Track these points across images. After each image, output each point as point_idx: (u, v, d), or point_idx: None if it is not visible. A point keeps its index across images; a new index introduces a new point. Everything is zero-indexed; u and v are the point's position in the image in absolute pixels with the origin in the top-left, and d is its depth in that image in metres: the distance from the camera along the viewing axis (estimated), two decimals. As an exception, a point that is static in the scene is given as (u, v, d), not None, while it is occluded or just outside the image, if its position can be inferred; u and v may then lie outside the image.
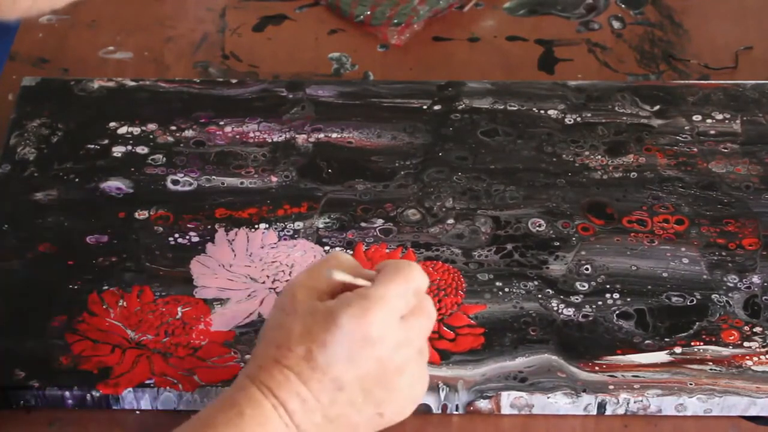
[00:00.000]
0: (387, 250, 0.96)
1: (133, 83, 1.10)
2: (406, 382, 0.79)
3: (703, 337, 0.91)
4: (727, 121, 1.07)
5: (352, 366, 0.77)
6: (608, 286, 0.94)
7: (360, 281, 0.79)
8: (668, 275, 0.95)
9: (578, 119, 1.07)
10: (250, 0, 1.22)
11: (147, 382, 0.88)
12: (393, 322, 0.77)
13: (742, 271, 0.95)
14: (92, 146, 1.04)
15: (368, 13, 1.19)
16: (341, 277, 0.79)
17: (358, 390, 0.77)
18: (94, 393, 0.87)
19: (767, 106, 1.08)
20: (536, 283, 0.94)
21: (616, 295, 0.93)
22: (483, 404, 0.88)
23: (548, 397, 0.88)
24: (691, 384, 0.88)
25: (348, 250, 0.96)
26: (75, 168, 1.02)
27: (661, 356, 0.90)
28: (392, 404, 0.79)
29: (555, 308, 0.93)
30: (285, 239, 0.97)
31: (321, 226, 0.98)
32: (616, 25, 1.20)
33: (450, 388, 0.88)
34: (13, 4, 0.71)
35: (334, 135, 1.06)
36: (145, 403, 0.88)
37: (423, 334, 0.80)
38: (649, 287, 0.94)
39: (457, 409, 0.88)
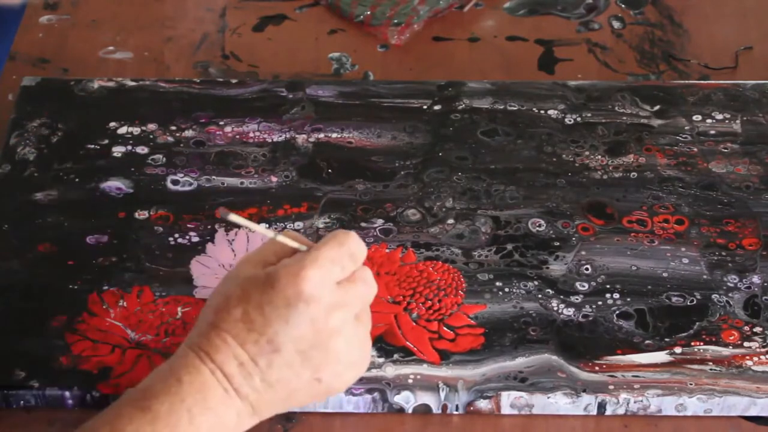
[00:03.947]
0: (387, 250, 0.96)
1: (133, 83, 1.10)
2: (342, 347, 0.79)
3: (703, 337, 0.91)
4: (727, 121, 1.07)
5: (287, 326, 0.77)
6: (608, 286, 0.94)
7: (297, 245, 0.80)
8: (668, 275, 0.95)
9: (578, 119, 1.07)
10: (250, 0, 1.22)
11: (147, 382, 0.88)
12: (327, 284, 0.78)
13: (742, 271, 0.95)
14: (92, 146, 1.04)
15: (368, 13, 1.19)
16: (283, 239, 0.80)
17: (294, 352, 0.78)
18: (94, 393, 0.87)
19: (767, 106, 1.08)
20: (536, 283, 0.94)
21: (616, 295, 0.93)
22: (483, 404, 0.88)
23: (548, 397, 0.88)
24: (691, 384, 0.88)
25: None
26: (75, 168, 1.02)
27: (661, 356, 0.90)
28: (329, 368, 0.79)
29: (555, 308, 0.93)
30: (285, 239, 0.97)
31: (321, 226, 0.98)
32: (616, 25, 1.20)
33: (450, 388, 0.88)
34: None
35: (334, 135, 1.06)
36: (145, 403, 0.88)
37: (360, 301, 0.81)
38: (649, 287, 0.94)
39: (457, 409, 0.88)
